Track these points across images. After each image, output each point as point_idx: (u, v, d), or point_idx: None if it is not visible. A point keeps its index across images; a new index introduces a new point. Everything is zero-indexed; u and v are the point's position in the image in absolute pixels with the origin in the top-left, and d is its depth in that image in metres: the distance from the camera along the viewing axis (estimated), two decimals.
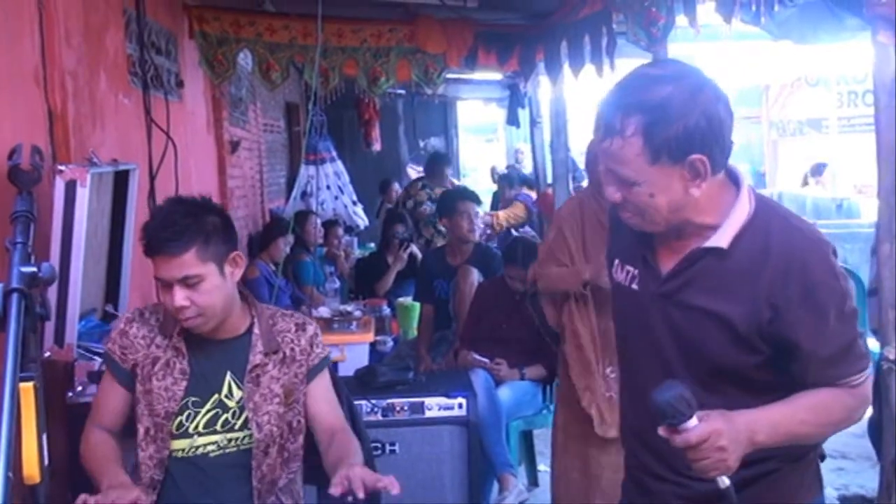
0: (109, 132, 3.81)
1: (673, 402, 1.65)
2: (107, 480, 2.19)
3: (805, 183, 10.88)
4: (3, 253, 1.50)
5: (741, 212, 1.80)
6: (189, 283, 2.27)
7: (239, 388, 2.41)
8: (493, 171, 11.12)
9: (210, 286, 2.29)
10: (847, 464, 5.07)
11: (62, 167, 2.88)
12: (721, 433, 1.66)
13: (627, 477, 2.13)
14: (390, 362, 5.36)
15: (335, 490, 2.10)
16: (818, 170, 10.82)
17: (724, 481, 1.69)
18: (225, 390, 2.41)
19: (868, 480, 4.64)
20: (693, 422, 1.66)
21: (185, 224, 2.26)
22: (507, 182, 9.64)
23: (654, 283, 1.88)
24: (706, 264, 1.81)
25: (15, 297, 1.33)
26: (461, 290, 5.16)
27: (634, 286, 1.94)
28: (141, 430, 2.39)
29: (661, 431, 1.69)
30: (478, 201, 5.58)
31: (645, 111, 1.69)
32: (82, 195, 2.89)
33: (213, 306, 2.32)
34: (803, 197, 10.54)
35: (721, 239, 1.79)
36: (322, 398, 2.51)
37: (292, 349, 2.47)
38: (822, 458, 2.05)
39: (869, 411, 3.44)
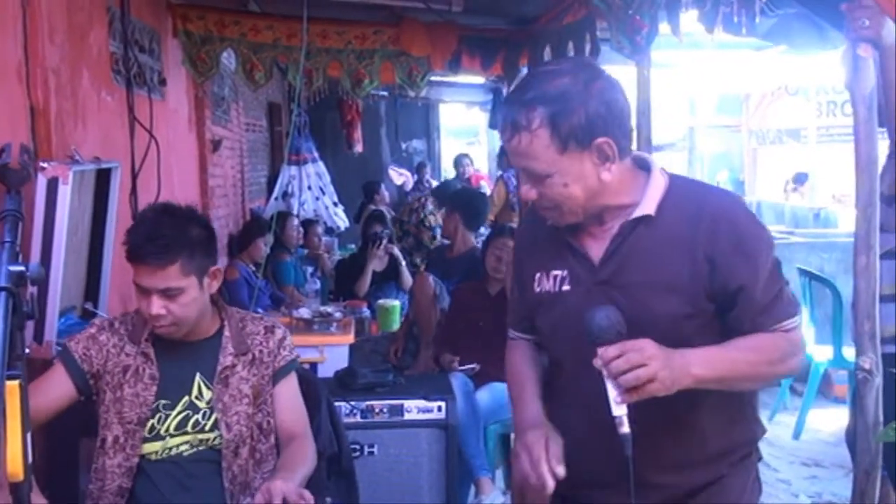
0: (92, 130, 3.80)
1: (611, 317, 1.73)
2: None
3: (787, 190, 10.99)
4: None
5: (657, 184, 1.89)
6: (169, 294, 2.28)
7: (208, 388, 2.43)
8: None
9: (189, 299, 2.32)
10: (820, 472, 5.12)
11: (44, 164, 2.87)
12: (650, 345, 1.71)
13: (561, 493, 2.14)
14: (367, 340, 5.43)
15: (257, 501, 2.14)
16: (800, 179, 10.94)
17: (625, 426, 1.72)
18: (195, 392, 2.42)
19: (841, 489, 4.68)
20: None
21: (171, 236, 2.26)
22: (459, 164, 10.68)
23: (590, 274, 1.91)
24: (637, 237, 1.87)
25: (3, 295, 1.34)
26: (416, 298, 5.24)
27: (566, 287, 1.94)
28: (109, 438, 2.38)
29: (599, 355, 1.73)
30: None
31: (546, 103, 1.77)
32: (64, 193, 2.88)
33: (188, 317, 2.35)
34: (781, 205, 10.64)
35: (646, 208, 1.87)
36: (285, 402, 2.52)
37: (261, 351, 2.49)
38: (759, 458, 2.08)
39: (845, 419, 3.48)
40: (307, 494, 2.17)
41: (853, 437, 3.02)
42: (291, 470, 2.33)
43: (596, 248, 1.91)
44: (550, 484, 1.80)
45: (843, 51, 3.28)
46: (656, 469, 1.91)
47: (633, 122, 1.94)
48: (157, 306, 2.29)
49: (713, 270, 1.81)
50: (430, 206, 7.59)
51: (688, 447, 1.93)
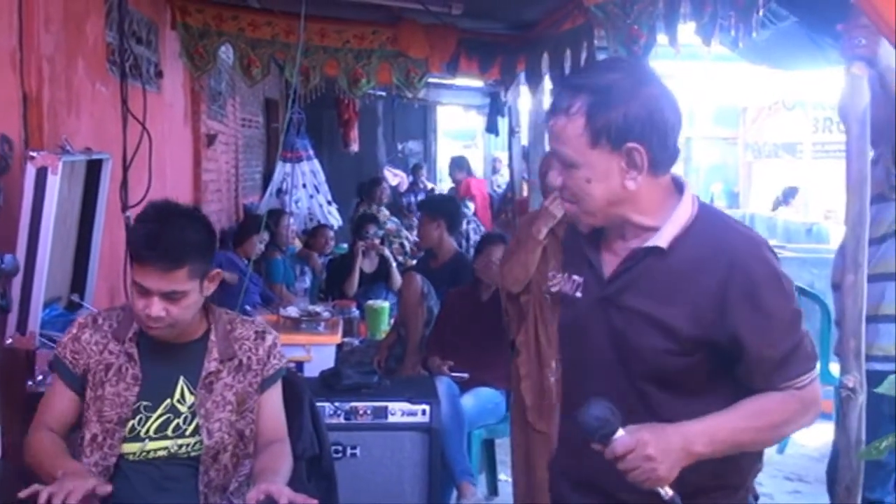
0: (84, 120, 3.78)
1: (598, 416, 1.70)
2: (62, 470, 2.15)
3: (776, 207, 11.01)
4: None
5: (682, 214, 1.82)
6: (172, 297, 2.26)
7: (191, 393, 2.39)
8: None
9: (190, 301, 2.30)
10: (803, 487, 5.12)
11: (34, 153, 2.86)
12: (647, 442, 1.69)
13: (555, 494, 2.14)
14: (352, 352, 5.41)
15: (250, 501, 2.11)
16: (791, 193, 10.95)
17: (668, 492, 1.71)
18: (177, 395, 2.39)
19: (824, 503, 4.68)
20: (620, 433, 1.70)
21: (181, 239, 2.24)
22: (457, 167, 10.79)
23: (598, 287, 1.89)
24: (647, 266, 1.82)
25: None
26: (404, 298, 5.24)
27: (578, 294, 1.94)
28: (87, 436, 2.36)
29: (595, 447, 1.72)
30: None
31: (590, 92, 1.75)
32: (53, 183, 2.87)
33: (185, 319, 2.33)
34: (774, 219, 10.66)
35: (661, 239, 1.80)
36: (269, 410, 2.50)
37: (249, 357, 2.45)
38: (756, 498, 2.04)
39: (830, 434, 3.46)
40: (312, 501, 2.14)
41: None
42: (276, 472, 2.31)
43: (610, 265, 1.89)
44: None
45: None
46: (629, 488, 1.88)
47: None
48: (157, 308, 2.25)
49: (722, 318, 1.75)
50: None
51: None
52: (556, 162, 1.84)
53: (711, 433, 1.75)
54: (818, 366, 1.82)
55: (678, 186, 1.86)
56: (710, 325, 1.76)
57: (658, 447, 1.69)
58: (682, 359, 1.79)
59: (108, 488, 2.15)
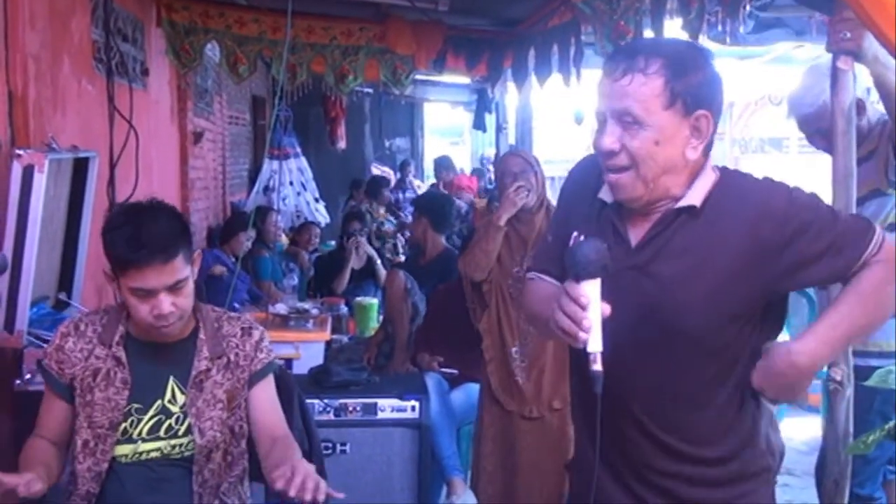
0: (70, 118, 3.77)
1: (597, 250, 1.68)
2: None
3: None
4: None
5: (707, 177, 1.84)
6: (177, 287, 2.22)
7: (182, 393, 2.36)
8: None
9: (190, 288, 2.27)
10: (792, 480, 5.13)
11: (20, 152, 2.85)
12: None
13: (575, 486, 2.12)
14: (341, 349, 5.42)
15: (279, 482, 2.10)
16: None
17: (598, 363, 1.68)
18: (168, 395, 2.35)
19: (812, 497, 4.66)
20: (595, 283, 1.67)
21: (163, 230, 2.21)
22: (444, 167, 10.94)
23: (625, 256, 1.83)
24: (679, 227, 1.81)
25: None
26: (388, 294, 5.26)
27: None
28: (79, 443, 2.33)
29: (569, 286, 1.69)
30: None
31: (669, 56, 1.76)
32: (39, 181, 2.86)
33: (189, 307, 2.29)
34: None
35: (691, 198, 1.80)
36: (263, 404, 2.46)
37: (236, 354, 2.42)
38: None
39: (818, 428, 3.49)
40: (322, 483, 2.13)
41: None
42: (290, 461, 2.26)
43: (636, 234, 1.85)
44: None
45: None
46: (656, 456, 1.88)
47: None
48: (167, 305, 2.21)
49: (764, 262, 1.76)
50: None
51: (687, 444, 1.87)
52: (616, 124, 1.77)
53: (818, 338, 1.80)
54: (880, 230, 1.84)
55: None
56: (751, 277, 1.77)
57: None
58: (719, 325, 1.79)
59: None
